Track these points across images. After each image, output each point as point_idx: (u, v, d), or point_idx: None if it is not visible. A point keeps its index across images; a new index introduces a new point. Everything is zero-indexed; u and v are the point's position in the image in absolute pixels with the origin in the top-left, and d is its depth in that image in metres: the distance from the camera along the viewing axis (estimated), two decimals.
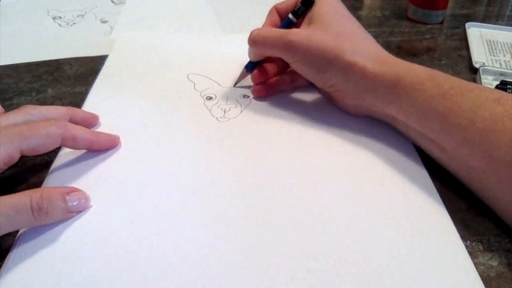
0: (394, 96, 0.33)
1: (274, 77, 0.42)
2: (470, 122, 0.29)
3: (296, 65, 0.37)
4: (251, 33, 0.38)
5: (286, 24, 0.40)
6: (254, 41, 0.38)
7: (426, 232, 0.28)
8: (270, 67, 0.41)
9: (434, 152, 0.33)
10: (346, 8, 0.38)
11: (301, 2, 0.39)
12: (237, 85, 0.43)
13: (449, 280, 0.25)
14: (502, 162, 0.28)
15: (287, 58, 0.37)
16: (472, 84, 0.31)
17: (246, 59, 0.41)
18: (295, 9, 0.39)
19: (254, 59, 0.41)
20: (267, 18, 0.42)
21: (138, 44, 0.50)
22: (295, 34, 0.36)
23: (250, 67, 0.42)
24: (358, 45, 0.35)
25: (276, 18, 0.41)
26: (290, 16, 0.39)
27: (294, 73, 0.40)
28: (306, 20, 0.38)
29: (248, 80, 0.43)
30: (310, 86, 0.41)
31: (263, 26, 0.41)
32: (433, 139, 0.32)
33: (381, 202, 0.30)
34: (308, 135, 0.37)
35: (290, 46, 0.36)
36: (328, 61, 0.34)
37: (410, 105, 0.32)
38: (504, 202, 0.29)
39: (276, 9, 0.41)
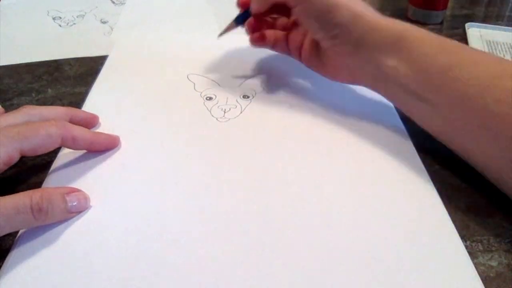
0: (397, 49, 0.33)
1: (272, 30, 0.43)
2: (471, 78, 0.30)
3: (300, 8, 0.36)
4: None
5: None
6: None
7: (426, 232, 0.28)
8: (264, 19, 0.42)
9: (425, 113, 0.33)
10: None
11: None
12: (221, 35, 0.43)
13: (449, 280, 0.25)
14: (497, 115, 0.28)
15: (293, 3, 0.36)
16: (473, 47, 0.33)
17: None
18: None
19: (257, 10, 0.40)
20: None
21: (138, 44, 0.50)
22: None
23: (241, 19, 0.42)
24: (363, 4, 0.36)
25: None
26: None
27: (276, 35, 0.42)
28: None
29: (236, 34, 0.43)
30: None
31: None
32: (428, 97, 0.32)
33: (381, 202, 0.30)
34: (308, 135, 0.37)
35: None
36: (337, 6, 0.34)
37: (412, 60, 0.32)
38: (495, 158, 0.29)
39: None
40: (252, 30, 0.42)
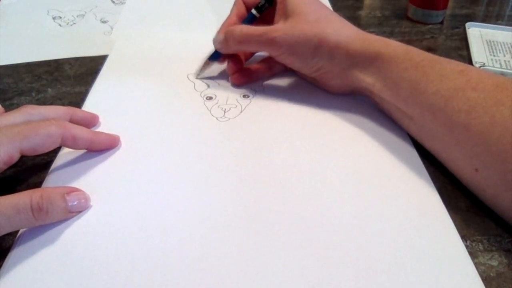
0: (373, 69, 0.36)
1: (252, 66, 0.43)
2: (436, 90, 0.32)
3: (281, 57, 0.39)
4: (234, 33, 0.39)
5: (250, 19, 0.41)
6: (239, 41, 0.39)
7: (426, 232, 0.28)
8: (241, 54, 0.43)
9: (404, 121, 0.35)
10: None
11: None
12: (200, 76, 0.44)
13: (449, 280, 0.25)
14: (460, 125, 0.30)
15: (273, 53, 0.39)
16: (442, 58, 0.34)
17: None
18: (258, 4, 0.41)
19: (229, 52, 0.41)
20: (233, 8, 0.43)
21: (138, 44, 0.50)
22: (276, 30, 0.37)
23: (215, 57, 0.42)
24: (338, 27, 0.37)
25: (242, 9, 0.43)
26: (253, 11, 0.41)
27: (271, 61, 0.43)
28: (281, 13, 0.39)
29: (211, 71, 0.44)
30: (294, 75, 0.43)
31: (228, 16, 0.42)
32: (402, 109, 0.34)
33: (381, 202, 0.30)
34: (308, 135, 0.37)
35: (274, 43, 0.37)
36: (313, 47, 0.37)
37: (386, 77, 0.35)
38: (461, 163, 0.31)
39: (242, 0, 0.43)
40: (232, 70, 0.42)
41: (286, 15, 0.38)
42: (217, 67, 0.45)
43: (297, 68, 0.40)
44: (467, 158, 0.30)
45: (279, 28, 0.38)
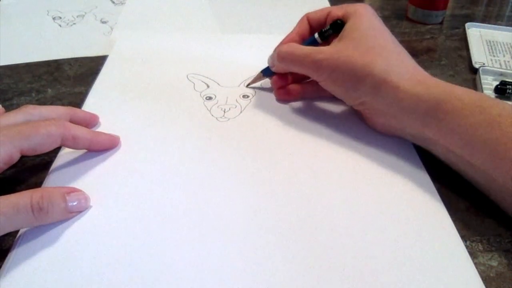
0: (433, 120, 0.30)
1: (300, 85, 0.41)
2: None
3: (324, 83, 0.36)
4: (280, 49, 0.37)
5: (311, 42, 0.38)
6: (282, 57, 0.37)
7: (426, 232, 0.28)
8: (291, 75, 0.40)
9: (481, 181, 0.30)
10: (381, 22, 0.36)
11: (330, 25, 0.37)
12: (248, 85, 0.43)
13: (449, 280, 0.25)
14: None
15: (315, 77, 0.36)
16: None
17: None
18: (323, 30, 0.38)
19: (278, 71, 0.40)
20: (296, 26, 0.40)
21: (138, 44, 0.50)
22: (323, 52, 0.34)
23: (267, 72, 0.41)
24: (391, 61, 0.33)
25: (306, 28, 0.40)
26: (316, 36, 0.38)
27: (319, 84, 0.38)
28: (340, 35, 0.36)
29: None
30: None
31: (290, 33, 0.40)
32: (481, 168, 0.29)
33: (381, 202, 0.30)
34: (308, 135, 0.37)
35: (318, 65, 0.34)
36: (357, 79, 0.33)
37: (453, 131, 0.30)
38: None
39: (307, 18, 0.40)
40: (276, 86, 0.40)
41: (341, 37, 0.35)
42: (217, 68, 0.45)
43: (340, 98, 0.36)
44: None
45: (325, 51, 0.34)
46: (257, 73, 0.42)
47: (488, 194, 0.30)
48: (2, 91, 0.43)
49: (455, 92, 0.31)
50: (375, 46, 0.33)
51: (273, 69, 0.39)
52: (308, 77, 0.38)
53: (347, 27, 0.35)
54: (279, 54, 0.37)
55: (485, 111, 0.29)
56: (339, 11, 0.37)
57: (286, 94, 0.40)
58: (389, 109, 0.33)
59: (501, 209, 0.30)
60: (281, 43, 0.40)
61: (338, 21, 0.36)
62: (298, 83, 0.41)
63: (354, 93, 0.34)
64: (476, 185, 0.31)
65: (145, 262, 0.26)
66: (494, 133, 0.28)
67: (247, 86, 0.43)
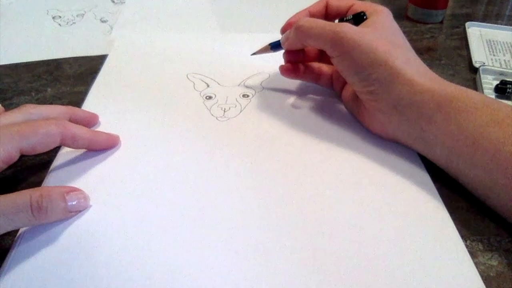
0: (441, 117, 0.31)
1: (305, 65, 0.40)
2: None
3: (338, 60, 0.34)
4: (299, 21, 0.35)
5: None
6: (299, 27, 0.35)
7: (427, 232, 0.28)
8: (302, 53, 0.40)
9: (480, 185, 0.30)
10: (398, 26, 0.37)
11: (352, 15, 0.37)
12: (254, 54, 0.42)
13: (449, 280, 0.25)
14: None
15: (332, 50, 0.34)
16: None
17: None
18: (344, 18, 0.37)
19: (289, 48, 0.38)
20: (312, 5, 0.39)
21: (138, 44, 0.50)
22: (347, 27, 0.33)
23: (275, 46, 0.40)
24: (410, 58, 0.33)
25: (320, 10, 0.39)
26: (337, 22, 0.37)
27: (321, 69, 0.40)
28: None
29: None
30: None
31: (302, 11, 0.39)
32: (484, 168, 0.29)
33: (382, 202, 0.30)
34: (308, 135, 0.37)
35: (339, 38, 0.33)
36: (376, 62, 0.32)
37: (461, 129, 0.30)
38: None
39: (327, 2, 0.39)
40: (287, 59, 0.40)
41: (364, 25, 0.35)
42: (217, 67, 0.45)
43: (349, 80, 0.35)
44: None
45: (350, 26, 0.33)
46: (265, 44, 0.41)
47: (486, 199, 0.30)
48: (2, 90, 0.43)
49: (466, 91, 0.31)
50: (396, 42, 0.34)
51: (285, 46, 0.38)
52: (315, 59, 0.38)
53: (369, 21, 0.35)
54: (297, 25, 0.35)
55: (494, 113, 0.29)
56: (362, 6, 0.37)
57: (293, 71, 0.40)
58: (399, 101, 0.32)
59: (499, 214, 0.30)
60: (291, 17, 0.39)
61: (362, 13, 0.36)
62: (303, 64, 0.40)
63: (368, 77, 0.33)
64: (473, 190, 0.31)
65: (145, 261, 0.26)
66: (501, 133, 0.28)
67: (252, 54, 0.42)
